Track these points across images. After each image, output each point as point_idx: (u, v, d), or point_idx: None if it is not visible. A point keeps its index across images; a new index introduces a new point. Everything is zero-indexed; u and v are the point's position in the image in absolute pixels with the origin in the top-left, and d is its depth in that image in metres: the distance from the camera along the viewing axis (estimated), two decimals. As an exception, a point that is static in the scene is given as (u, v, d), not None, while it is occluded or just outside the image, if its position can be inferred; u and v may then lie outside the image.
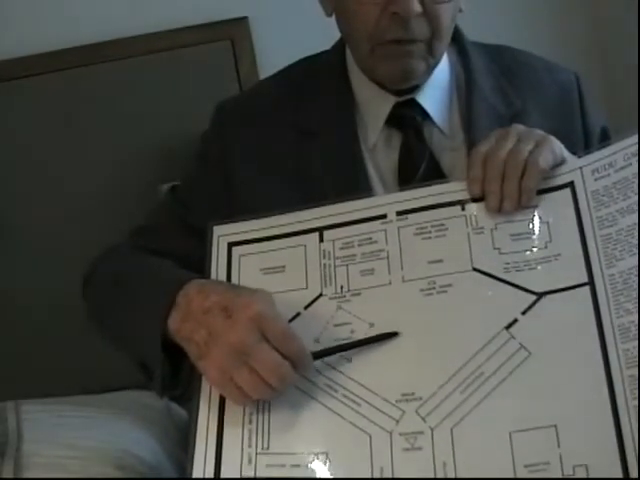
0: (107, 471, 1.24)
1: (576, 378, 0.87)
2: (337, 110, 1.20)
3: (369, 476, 0.88)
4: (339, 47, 1.25)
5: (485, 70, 1.23)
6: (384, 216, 1.03)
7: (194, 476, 0.93)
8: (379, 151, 1.19)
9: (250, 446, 0.93)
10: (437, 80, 1.20)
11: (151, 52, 1.80)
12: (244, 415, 0.95)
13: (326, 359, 0.95)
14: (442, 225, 1.00)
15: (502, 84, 1.22)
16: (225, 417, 0.95)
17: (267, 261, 1.04)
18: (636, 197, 0.93)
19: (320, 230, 1.04)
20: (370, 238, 1.02)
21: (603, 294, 0.90)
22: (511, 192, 0.97)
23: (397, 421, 0.90)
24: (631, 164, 0.95)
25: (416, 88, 1.18)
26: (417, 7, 1.05)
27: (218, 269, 1.05)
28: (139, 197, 1.74)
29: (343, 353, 0.95)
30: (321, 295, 1.00)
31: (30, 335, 1.80)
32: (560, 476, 0.83)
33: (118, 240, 1.26)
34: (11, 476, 1.19)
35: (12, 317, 1.81)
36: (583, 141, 1.21)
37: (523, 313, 0.92)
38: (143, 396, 1.50)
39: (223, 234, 1.07)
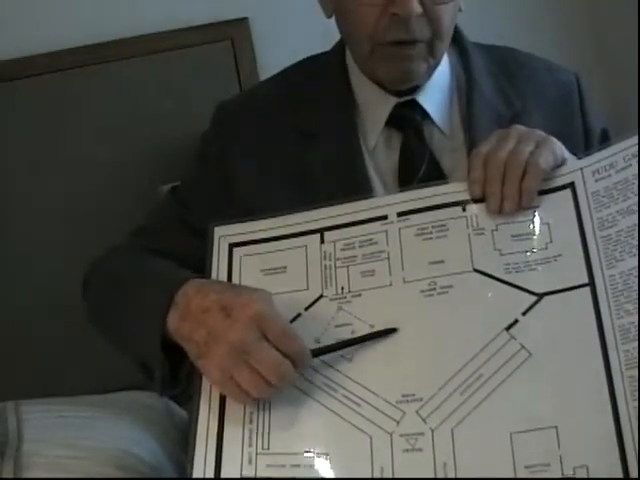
0: (107, 471, 1.24)
1: (576, 379, 0.87)
2: (337, 111, 1.20)
3: (369, 477, 0.88)
4: (339, 48, 1.25)
5: (485, 71, 1.23)
6: (385, 217, 1.03)
7: (194, 476, 0.93)
8: (379, 152, 1.19)
9: (250, 446, 0.93)
10: (437, 81, 1.20)
11: (151, 52, 1.80)
12: (244, 415, 0.95)
13: (327, 360, 0.95)
14: (443, 226, 1.00)
15: (502, 85, 1.22)
16: (225, 417, 0.95)
17: (268, 262, 1.04)
18: (636, 198, 0.92)
19: (321, 231, 1.04)
20: (371, 239, 1.02)
21: (603, 295, 0.90)
22: (512, 193, 0.97)
23: (397, 422, 0.90)
24: (631, 165, 0.95)
25: (416, 89, 1.18)
26: (417, 8, 1.05)
27: (219, 270, 1.05)
28: (139, 197, 1.74)
29: (343, 353, 0.95)
30: (322, 296, 1.00)
31: (30, 335, 1.80)
32: (560, 477, 0.83)
33: (118, 240, 1.27)
34: (11, 476, 1.19)
35: (12, 317, 1.80)
36: (583, 142, 1.21)
37: (524, 314, 0.92)
38: (143, 396, 1.50)
39: (224, 235, 1.07)
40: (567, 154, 1.01)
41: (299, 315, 0.99)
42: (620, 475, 0.82)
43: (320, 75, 1.24)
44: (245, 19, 1.83)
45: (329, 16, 1.19)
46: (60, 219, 1.82)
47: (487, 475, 0.85)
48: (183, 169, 1.32)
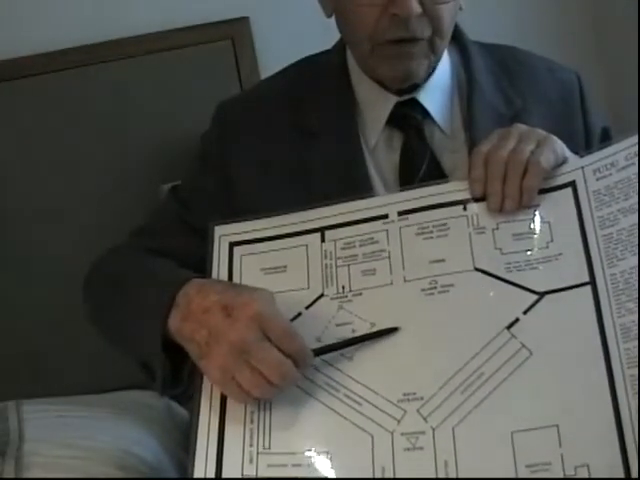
0: (108, 471, 1.24)
1: (577, 378, 0.87)
2: (338, 110, 1.20)
3: (370, 476, 0.88)
4: (340, 47, 1.25)
5: (486, 70, 1.22)
6: (386, 216, 1.03)
7: (195, 476, 0.93)
8: (380, 151, 1.19)
9: (251, 445, 0.93)
10: (438, 80, 1.20)
11: (152, 52, 1.80)
12: (245, 414, 0.95)
13: (328, 359, 0.95)
14: (444, 225, 1.00)
15: (503, 84, 1.22)
16: (226, 416, 0.95)
17: (268, 261, 1.04)
18: (637, 197, 0.93)
19: (322, 230, 1.04)
20: (372, 238, 1.02)
21: (604, 294, 0.90)
22: (512, 192, 0.97)
23: (398, 421, 0.90)
24: (633, 164, 0.95)
25: (417, 87, 1.18)
26: (417, 8, 1.05)
27: (219, 269, 1.05)
28: (139, 197, 1.74)
29: (344, 352, 0.95)
30: (322, 295, 1.00)
31: (31, 335, 1.80)
32: (562, 476, 0.83)
33: (118, 240, 1.26)
34: (12, 476, 1.19)
35: (13, 317, 1.80)
36: (584, 141, 1.21)
37: (524, 313, 0.92)
38: (144, 396, 1.50)
39: (224, 234, 1.07)
40: (568, 153, 1.01)
41: (300, 314, 0.99)
42: (621, 474, 0.82)
43: (320, 74, 1.24)
44: (245, 18, 1.83)
45: (329, 16, 1.19)
46: (60, 219, 1.81)
47: (488, 474, 0.85)
48: (183, 169, 1.32)
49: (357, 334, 0.96)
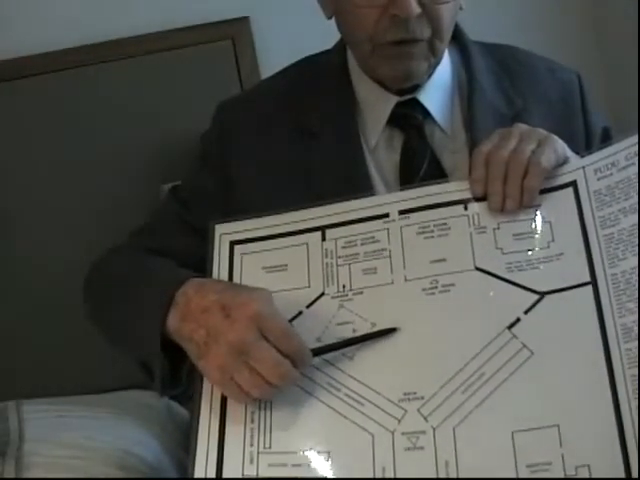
0: (108, 471, 1.24)
1: (578, 378, 0.87)
2: (338, 110, 1.20)
3: (371, 475, 0.88)
4: (340, 47, 1.25)
5: (486, 70, 1.22)
6: (386, 215, 1.03)
7: (196, 476, 0.93)
8: (380, 151, 1.19)
9: (252, 445, 0.93)
10: (439, 79, 1.20)
11: (152, 52, 1.80)
12: (246, 414, 0.95)
13: (328, 358, 0.95)
14: (445, 224, 1.00)
15: (503, 84, 1.22)
16: (227, 416, 0.95)
17: (269, 260, 1.04)
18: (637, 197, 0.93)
19: (322, 229, 1.04)
20: (372, 237, 1.02)
21: (605, 294, 0.90)
22: (513, 192, 0.97)
23: (399, 420, 0.90)
24: (633, 164, 0.95)
25: (417, 87, 1.18)
26: (416, 8, 1.05)
27: (220, 268, 1.04)
28: (140, 197, 1.74)
29: (345, 352, 0.95)
30: (323, 294, 1.00)
31: (31, 335, 1.80)
32: (562, 476, 0.83)
33: (119, 240, 1.26)
34: (12, 476, 1.19)
35: (13, 317, 1.80)
36: (585, 141, 1.21)
37: (525, 312, 0.92)
38: (144, 396, 1.50)
39: (225, 232, 1.07)
40: (569, 152, 1.01)
41: (300, 313, 0.99)
42: (622, 474, 0.82)
43: (321, 74, 1.24)
44: (246, 18, 1.83)
45: (329, 17, 1.18)
46: (60, 219, 1.81)
47: (488, 474, 0.85)
48: (184, 169, 1.32)
49: (358, 333, 0.96)
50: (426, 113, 1.18)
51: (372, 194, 1.09)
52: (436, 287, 0.97)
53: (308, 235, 1.04)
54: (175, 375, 1.02)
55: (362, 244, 1.02)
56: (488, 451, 0.86)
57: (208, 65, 1.82)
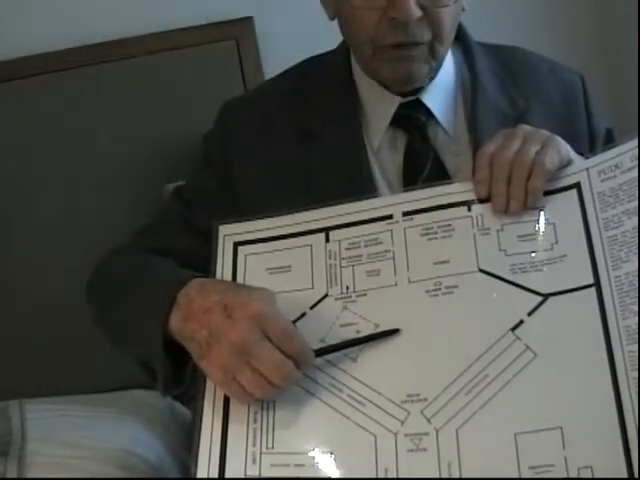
0: (111, 471, 1.24)
1: (581, 380, 0.87)
2: (341, 111, 1.20)
3: (373, 476, 0.88)
4: (343, 47, 1.25)
5: (489, 70, 1.22)
6: (390, 217, 1.02)
7: (198, 476, 0.93)
8: (384, 153, 1.19)
9: (255, 445, 0.93)
10: (442, 80, 1.20)
11: (155, 52, 1.80)
12: (249, 414, 0.95)
13: (332, 359, 0.95)
14: (448, 226, 1.00)
15: (506, 85, 1.22)
16: (230, 416, 0.95)
17: (273, 261, 1.04)
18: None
19: (326, 230, 1.04)
20: (376, 239, 1.02)
21: (609, 296, 0.90)
22: (517, 193, 0.96)
23: (402, 422, 0.90)
24: (637, 165, 0.94)
25: (421, 88, 1.18)
26: (416, 12, 1.05)
27: (224, 269, 1.04)
28: (143, 197, 1.74)
29: (348, 353, 0.95)
30: (327, 295, 1.00)
31: (34, 335, 1.80)
32: (565, 477, 0.83)
33: (120, 241, 1.26)
34: (15, 475, 1.20)
35: (16, 317, 1.81)
36: (588, 142, 1.21)
37: (529, 314, 0.92)
38: (147, 396, 1.50)
39: (229, 234, 1.07)
40: (573, 154, 1.01)
41: (304, 314, 0.99)
42: (625, 476, 0.81)
43: (324, 75, 1.24)
44: (250, 19, 1.83)
45: (332, 18, 1.19)
46: (61, 219, 1.82)
47: (491, 475, 0.85)
48: (187, 169, 1.32)
49: (361, 335, 0.96)
50: (429, 114, 1.18)
51: (375, 195, 1.09)
52: (439, 289, 0.96)
53: (312, 236, 1.04)
54: (178, 375, 1.02)
55: (366, 246, 1.02)
56: (491, 453, 0.86)
57: (211, 65, 1.82)
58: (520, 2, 2.00)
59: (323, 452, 0.91)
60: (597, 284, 0.91)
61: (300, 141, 1.19)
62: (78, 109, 1.81)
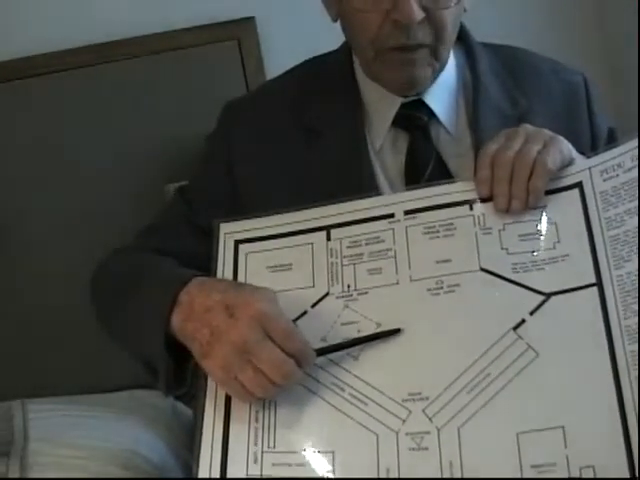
0: (113, 471, 1.24)
1: (583, 379, 0.87)
2: (344, 111, 1.20)
3: (375, 476, 0.88)
4: (346, 47, 1.24)
5: (491, 71, 1.22)
6: (392, 215, 1.02)
7: (200, 476, 0.93)
8: (386, 153, 1.19)
9: (256, 444, 0.93)
10: (444, 81, 1.20)
11: (157, 52, 1.80)
12: (250, 413, 0.94)
13: (333, 358, 0.95)
14: (450, 225, 1.00)
15: (508, 85, 1.22)
16: (231, 415, 0.95)
17: (274, 259, 1.04)
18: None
19: (327, 228, 1.04)
20: (378, 237, 1.02)
21: (611, 295, 0.90)
22: (519, 193, 0.96)
23: (404, 421, 0.90)
24: (637, 166, 0.94)
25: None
26: (419, 14, 1.05)
27: (224, 267, 1.05)
28: (143, 197, 1.74)
29: (349, 351, 0.95)
30: (328, 294, 1.00)
31: (36, 335, 1.80)
32: (567, 477, 0.83)
33: (123, 241, 1.27)
34: (17, 475, 1.20)
35: (18, 317, 1.80)
36: (590, 142, 1.20)
37: (531, 314, 0.92)
38: (149, 395, 1.50)
39: (230, 232, 1.07)
40: (575, 153, 1.01)
41: (305, 312, 0.99)
42: (627, 475, 0.81)
43: (327, 75, 1.24)
44: (252, 19, 1.83)
45: (334, 20, 1.18)
46: (62, 219, 1.82)
47: (493, 475, 0.85)
48: (190, 169, 1.32)
49: (362, 333, 0.96)
50: (431, 114, 1.18)
51: (378, 194, 1.09)
52: (441, 287, 0.96)
53: (313, 235, 1.04)
54: (180, 374, 1.02)
55: (367, 244, 1.02)
56: (493, 452, 0.86)
57: (213, 65, 1.82)
58: (521, 2, 2.00)
59: (324, 451, 0.91)
60: (599, 283, 0.91)
61: (302, 141, 1.19)
62: (78, 109, 1.80)
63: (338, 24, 1.19)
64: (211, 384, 0.97)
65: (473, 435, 0.87)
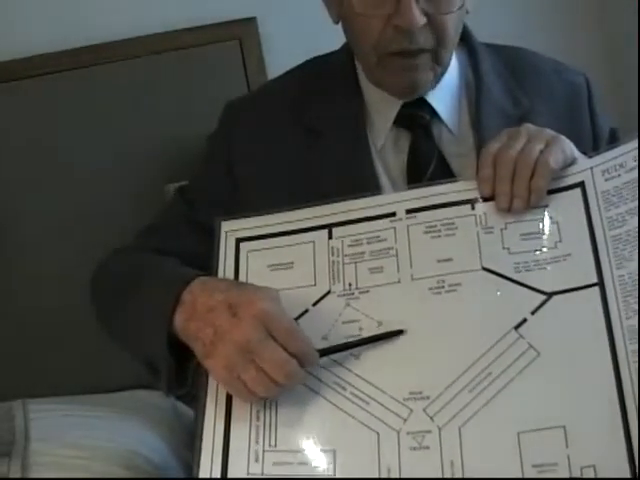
0: (114, 471, 1.24)
1: (585, 379, 0.87)
2: (345, 111, 1.20)
3: (376, 475, 0.88)
4: (347, 47, 1.24)
5: (493, 71, 1.22)
6: (393, 214, 1.02)
7: (201, 474, 0.92)
8: (387, 152, 1.19)
9: (257, 443, 0.93)
10: (446, 80, 1.20)
11: (159, 52, 1.80)
12: (251, 412, 0.94)
13: (334, 357, 0.95)
14: (452, 224, 1.00)
15: (510, 85, 1.22)
16: (232, 414, 0.95)
17: (275, 257, 1.04)
18: (640, 199, 0.93)
19: (329, 227, 1.04)
20: (379, 236, 1.02)
21: (612, 295, 0.90)
22: (521, 192, 0.96)
23: (405, 420, 0.90)
24: (638, 166, 0.94)
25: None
26: (420, 19, 1.05)
27: (226, 265, 1.04)
28: (144, 197, 1.74)
29: (351, 351, 0.95)
30: (329, 292, 1.00)
31: (37, 335, 1.80)
32: (568, 477, 0.83)
33: (123, 241, 1.27)
34: (18, 475, 1.20)
35: (19, 317, 1.80)
36: (592, 142, 1.21)
37: (532, 313, 0.92)
38: (150, 396, 1.50)
39: (231, 230, 1.07)
40: (577, 153, 1.01)
41: (306, 311, 0.99)
42: (627, 475, 0.81)
43: (328, 75, 1.24)
44: (253, 19, 1.83)
45: (336, 22, 1.18)
46: (62, 220, 1.81)
47: (494, 474, 0.85)
48: (191, 169, 1.32)
49: (364, 332, 0.96)
50: (433, 113, 1.18)
51: (379, 192, 1.09)
52: (443, 287, 0.96)
53: (314, 233, 1.04)
54: (181, 374, 1.02)
55: (368, 243, 1.02)
56: (494, 451, 0.86)
57: (214, 65, 1.82)
58: (521, 3, 2.00)
59: (325, 450, 0.91)
60: (601, 283, 0.91)
61: (303, 141, 1.19)
62: (79, 110, 1.80)
63: (339, 25, 1.19)
64: (212, 383, 0.97)
65: (474, 434, 0.87)
